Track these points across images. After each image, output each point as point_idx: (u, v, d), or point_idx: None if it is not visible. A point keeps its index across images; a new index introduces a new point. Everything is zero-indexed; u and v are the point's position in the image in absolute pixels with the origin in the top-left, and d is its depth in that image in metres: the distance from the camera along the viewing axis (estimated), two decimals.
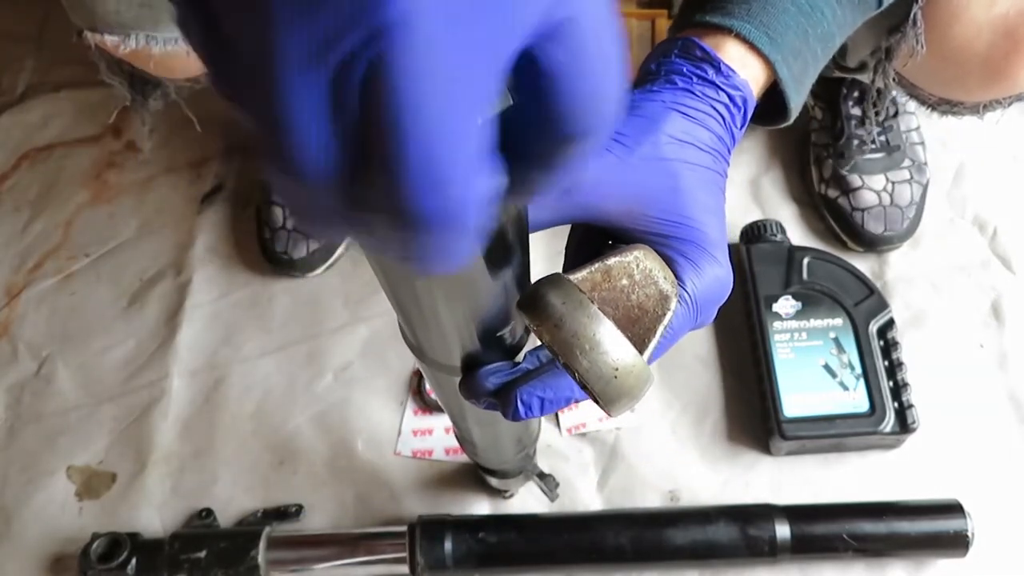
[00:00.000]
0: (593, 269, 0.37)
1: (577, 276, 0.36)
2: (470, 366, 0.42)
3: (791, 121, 0.49)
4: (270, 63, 0.18)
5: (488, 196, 0.21)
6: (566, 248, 0.45)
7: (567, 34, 0.20)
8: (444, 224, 0.20)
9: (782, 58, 0.45)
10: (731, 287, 0.42)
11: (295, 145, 0.19)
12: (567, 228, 0.44)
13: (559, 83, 0.21)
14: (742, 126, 0.44)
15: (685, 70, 0.43)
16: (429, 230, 0.20)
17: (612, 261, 0.37)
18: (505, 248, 0.33)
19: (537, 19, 0.19)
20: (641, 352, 0.34)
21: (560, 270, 0.41)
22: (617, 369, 0.33)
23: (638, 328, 0.36)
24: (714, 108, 0.43)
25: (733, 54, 0.45)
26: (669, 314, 0.37)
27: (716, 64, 0.43)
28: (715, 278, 0.40)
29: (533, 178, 0.24)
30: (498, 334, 0.40)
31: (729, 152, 0.43)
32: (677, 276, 0.40)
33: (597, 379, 0.33)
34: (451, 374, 0.43)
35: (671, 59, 0.44)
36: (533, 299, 0.34)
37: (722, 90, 0.43)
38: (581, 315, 0.33)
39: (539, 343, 0.43)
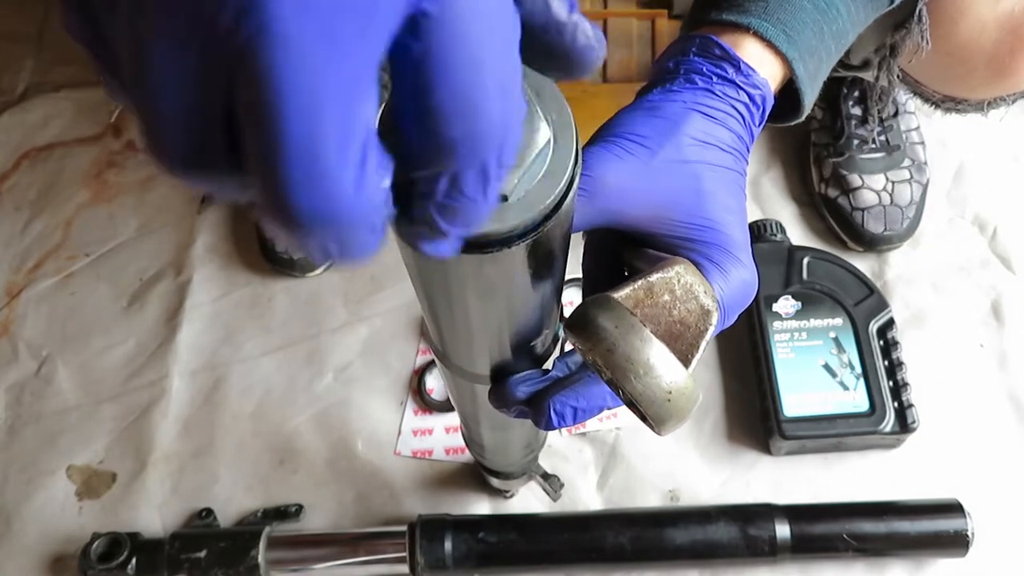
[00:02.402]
0: (636, 286, 0.36)
1: (621, 294, 0.35)
2: (498, 374, 0.41)
3: (802, 118, 0.49)
4: (144, 47, 0.18)
5: (375, 193, 0.20)
6: (584, 254, 0.44)
7: (424, 28, 0.19)
8: (325, 221, 0.19)
9: (799, 56, 0.45)
10: (756, 289, 0.41)
11: (165, 127, 0.19)
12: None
13: (421, 77, 0.19)
14: (760, 124, 0.44)
15: (705, 69, 0.43)
16: (308, 227, 0.19)
17: (654, 278, 0.37)
18: (549, 259, 0.33)
19: (402, 9, 0.18)
20: (685, 368, 0.34)
21: (573, 273, 0.40)
22: (671, 392, 0.32)
23: (680, 344, 0.36)
24: (734, 108, 0.42)
25: (752, 52, 0.44)
26: (711, 329, 0.37)
27: (736, 63, 0.43)
28: (741, 281, 0.40)
29: (423, 209, 0.22)
30: (531, 343, 0.40)
31: (748, 151, 0.43)
32: None
33: (651, 402, 0.33)
34: (477, 382, 0.43)
35: (689, 57, 0.44)
36: (583, 321, 0.33)
37: (742, 89, 0.42)
38: (634, 339, 0.32)
39: (568, 350, 0.43)
